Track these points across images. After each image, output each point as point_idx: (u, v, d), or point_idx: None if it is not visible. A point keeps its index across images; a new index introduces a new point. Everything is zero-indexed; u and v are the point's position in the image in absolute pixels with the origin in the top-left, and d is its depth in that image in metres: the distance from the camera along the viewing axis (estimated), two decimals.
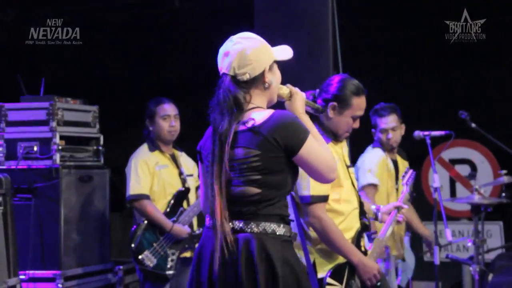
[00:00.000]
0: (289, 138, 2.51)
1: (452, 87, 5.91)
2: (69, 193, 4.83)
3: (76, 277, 4.81)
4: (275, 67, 2.67)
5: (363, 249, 3.38)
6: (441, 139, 4.53)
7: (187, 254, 4.49)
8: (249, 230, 2.53)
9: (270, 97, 2.66)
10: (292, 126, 2.53)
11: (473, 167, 5.78)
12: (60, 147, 4.83)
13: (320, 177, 2.61)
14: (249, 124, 2.53)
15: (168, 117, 4.52)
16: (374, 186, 4.32)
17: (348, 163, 3.36)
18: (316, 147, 2.55)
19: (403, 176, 4.02)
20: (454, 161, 5.89)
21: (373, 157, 4.47)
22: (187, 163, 4.68)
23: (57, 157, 4.79)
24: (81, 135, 5.09)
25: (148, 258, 4.30)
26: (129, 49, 6.75)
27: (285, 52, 2.69)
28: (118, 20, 6.60)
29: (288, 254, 2.56)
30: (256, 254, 2.50)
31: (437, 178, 4.21)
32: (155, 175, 4.45)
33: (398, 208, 3.61)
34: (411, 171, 4.05)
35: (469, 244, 4.79)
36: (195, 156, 4.73)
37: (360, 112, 3.33)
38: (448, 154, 5.81)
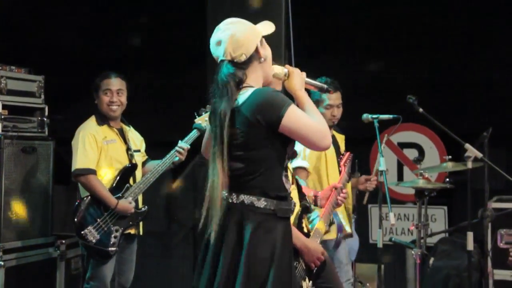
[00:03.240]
0: (267, 113, 2.65)
1: (402, 71, 5.94)
2: (11, 164, 4.74)
3: (16, 250, 4.73)
4: (264, 41, 2.85)
5: (305, 230, 3.40)
6: (390, 122, 4.55)
7: (132, 231, 4.45)
8: (230, 200, 2.73)
9: (265, 72, 2.84)
10: (269, 101, 2.67)
11: (421, 152, 5.83)
12: (2, 117, 4.72)
13: (312, 145, 2.74)
14: (235, 105, 2.70)
15: (109, 92, 4.45)
16: (303, 169, 4.28)
17: None
18: (301, 117, 2.67)
19: (341, 158, 4.05)
20: (403, 145, 5.93)
21: None
22: (135, 138, 4.61)
23: None
24: (25, 105, 4.98)
25: (91, 233, 4.23)
26: (80, 19, 6.60)
27: (268, 26, 2.88)
28: None
29: (264, 226, 2.69)
30: (229, 223, 2.71)
31: (383, 162, 4.22)
32: (103, 150, 4.37)
33: (336, 188, 3.62)
34: (348, 153, 4.07)
35: (413, 227, 4.85)
36: (143, 130, 4.72)
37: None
38: (397, 137, 5.85)
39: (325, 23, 6.00)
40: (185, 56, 6.08)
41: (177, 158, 4.43)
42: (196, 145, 4.42)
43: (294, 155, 3.07)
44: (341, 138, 4.60)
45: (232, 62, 2.75)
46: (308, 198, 3.57)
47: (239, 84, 2.74)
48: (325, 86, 3.08)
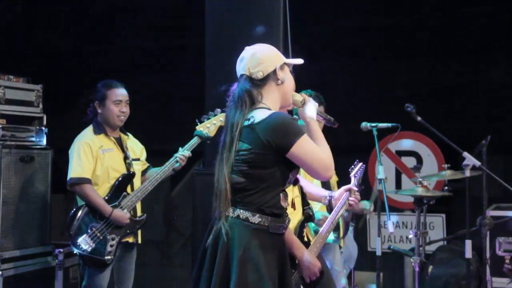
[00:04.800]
0: (280, 138, 2.77)
1: (400, 79, 5.96)
2: (9, 174, 4.74)
3: (14, 259, 4.73)
4: (287, 68, 2.99)
5: (305, 239, 3.40)
6: (388, 131, 4.56)
7: (130, 239, 4.43)
8: (227, 214, 2.82)
9: (283, 96, 2.96)
10: (284, 127, 2.79)
11: (419, 160, 5.84)
12: (0, 126, 4.73)
13: (315, 174, 2.89)
14: (250, 121, 2.81)
15: (119, 103, 4.44)
16: None
17: None
18: (309, 147, 2.81)
19: (352, 168, 4.03)
20: (401, 153, 5.94)
21: None
22: (134, 147, 4.60)
23: None
24: (24, 114, 4.98)
25: (86, 242, 4.22)
26: (77, 30, 6.61)
27: (295, 59, 3.04)
28: None
29: (255, 241, 2.77)
30: (222, 238, 2.79)
31: (382, 170, 4.23)
32: (99, 159, 4.35)
33: (350, 191, 3.64)
34: (360, 164, 4.05)
35: (411, 235, 4.85)
36: (143, 138, 4.72)
37: None
38: (395, 146, 5.86)
39: (323, 29, 6.01)
40: (185, 62, 6.09)
41: (177, 164, 4.42)
42: (196, 153, 4.43)
43: (296, 182, 3.12)
44: None
45: (250, 78, 2.89)
46: (322, 198, 3.65)
47: (253, 100, 2.87)
48: (332, 119, 3.24)
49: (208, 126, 4.33)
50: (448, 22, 5.89)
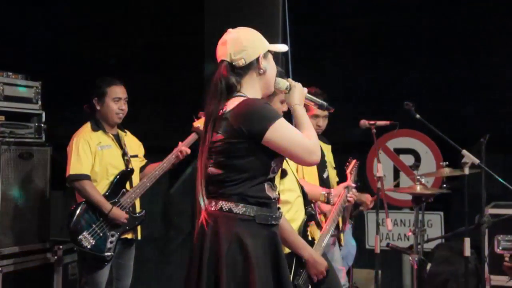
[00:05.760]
0: (252, 125, 2.61)
1: (399, 77, 5.97)
2: (8, 170, 4.74)
3: (13, 255, 4.73)
4: (270, 56, 2.81)
5: (310, 238, 3.41)
6: (387, 128, 4.57)
7: (129, 236, 4.44)
8: (209, 208, 2.68)
9: (265, 85, 2.79)
10: (256, 113, 2.63)
11: (417, 157, 5.84)
12: None
13: (297, 160, 2.72)
14: (223, 110, 2.66)
15: (119, 100, 4.44)
16: None
17: None
18: (286, 132, 2.63)
19: (347, 166, 4.05)
20: (399, 151, 5.94)
21: None
22: (132, 144, 4.61)
23: None
24: (22, 111, 4.98)
25: (86, 239, 4.23)
26: (76, 25, 6.61)
27: (280, 46, 2.89)
28: None
29: (242, 232, 2.62)
30: (207, 232, 2.65)
31: (380, 168, 4.24)
32: (97, 155, 4.36)
33: (348, 188, 3.66)
34: (354, 161, 4.07)
35: (410, 233, 4.86)
36: (142, 136, 4.72)
37: None
38: (394, 143, 5.86)
39: (322, 28, 6.01)
40: (184, 60, 6.09)
41: (175, 159, 4.42)
42: (195, 149, 4.43)
43: (284, 174, 3.07)
44: (327, 148, 4.59)
45: (230, 64, 2.72)
46: (320, 195, 3.63)
47: (231, 89, 2.71)
48: (325, 104, 3.07)
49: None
50: (446, 21, 5.89)
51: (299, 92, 2.88)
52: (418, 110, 4.50)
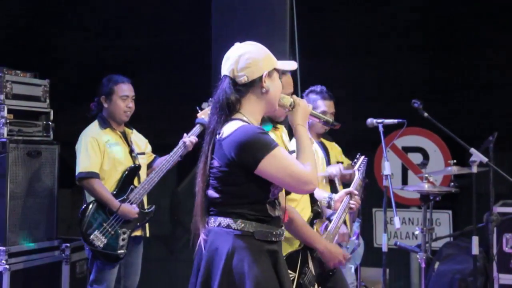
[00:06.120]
0: (244, 156, 2.55)
1: (407, 75, 5.95)
2: (16, 168, 4.74)
3: (21, 253, 4.73)
4: (276, 75, 2.72)
5: None
6: (394, 127, 4.55)
7: (138, 233, 4.45)
8: (209, 225, 2.65)
9: (267, 104, 2.70)
10: (249, 143, 2.56)
11: (426, 156, 5.83)
12: (8, 121, 4.74)
13: (292, 190, 2.70)
14: (219, 135, 2.61)
15: (126, 98, 4.46)
16: None
17: (289, 148, 3.33)
18: (280, 163, 2.56)
19: (355, 162, 4.03)
20: (407, 149, 5.93)
21: None
22: (138, 141, 4.62)
23: (5, 131, 4.72)
24: (31, 109, 4.98)
25: (98, 238, 4.24)
26: (84, 23, 6.61)
27: (288, 64, 2.80)
28: None
29: (240, 247, 2.58)
30: (206, 248, 2.62)
31: (388, 166, 4.22)
32: (106, 153, 4.37)
33: (350, 194, 3.64)
34: (362, 157, 4.05)
35: (418, 232, 4.84)
36: (147, 133, 4.73)
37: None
38: (402, 142, 5.85)
39: (329, 26, 6.00)
40: (191, 58, 6.09)
41: (184, 150, 4.36)
42: (200, 144, 4.41)
43: (288, 192, 3.06)
44: (331, 146, 4.58)
45: (232, 81, 2.65)
46: (323, 199, 3.62)
47: (231, 109, 2.64)
48: (331, 120, 3.04)
49: (210, 113, 4.30)
50: (453, 18, 5.87)
51: (303, 111, 2.79)
52: (426, 108, 4.49)
